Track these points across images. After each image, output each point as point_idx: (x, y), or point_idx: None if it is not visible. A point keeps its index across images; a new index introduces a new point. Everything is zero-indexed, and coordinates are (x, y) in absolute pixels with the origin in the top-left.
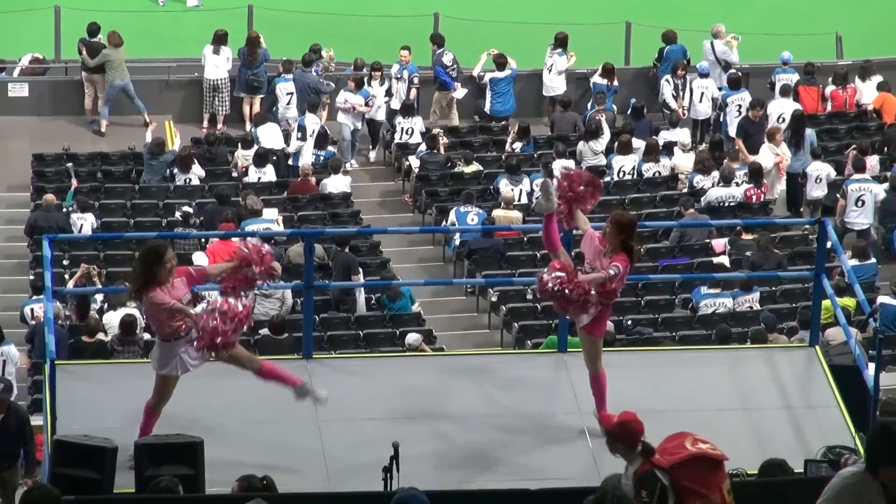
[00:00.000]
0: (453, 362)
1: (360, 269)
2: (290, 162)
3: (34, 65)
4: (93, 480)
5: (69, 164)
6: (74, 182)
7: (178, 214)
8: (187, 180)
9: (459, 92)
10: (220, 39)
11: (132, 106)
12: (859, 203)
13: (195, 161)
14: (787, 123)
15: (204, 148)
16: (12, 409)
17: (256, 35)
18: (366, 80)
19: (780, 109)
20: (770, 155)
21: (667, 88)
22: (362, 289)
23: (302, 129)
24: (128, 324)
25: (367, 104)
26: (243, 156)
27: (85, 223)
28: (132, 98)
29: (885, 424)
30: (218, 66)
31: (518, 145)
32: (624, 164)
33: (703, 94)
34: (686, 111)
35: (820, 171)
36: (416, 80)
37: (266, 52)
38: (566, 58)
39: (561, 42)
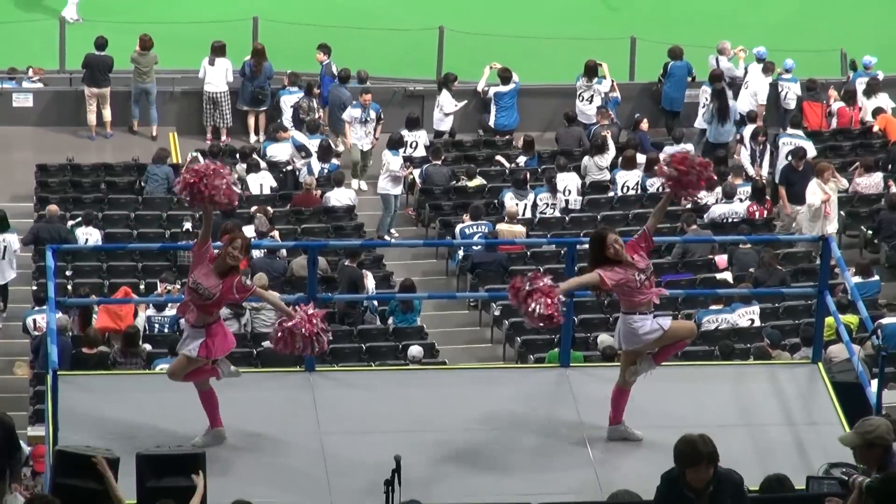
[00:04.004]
0: (455, 376)
1: (370, 284)
2: (300, 179)
3: (38, 73)
4: (94, 491)
5: None
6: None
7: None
8: None
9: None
10: (217, 51)
11: (143, 115)
12: (789, 157)
13: None
14: (709, 99)
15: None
16: None
17: (262, 47)
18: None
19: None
20: (819, 192)
21: (744, 153)
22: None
23: (302, 147)
24: (130, 336)
25: (406, 166)
26: (241, 169)
27: (90, 238)
28: (151, 104)
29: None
30: (216, 79)
31: (522, 159)
32: (628, 180)
33: (786, 93)
34: (762, 176)
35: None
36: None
37: (270, 67)
38: (603, 83)
39: (591, 70)
